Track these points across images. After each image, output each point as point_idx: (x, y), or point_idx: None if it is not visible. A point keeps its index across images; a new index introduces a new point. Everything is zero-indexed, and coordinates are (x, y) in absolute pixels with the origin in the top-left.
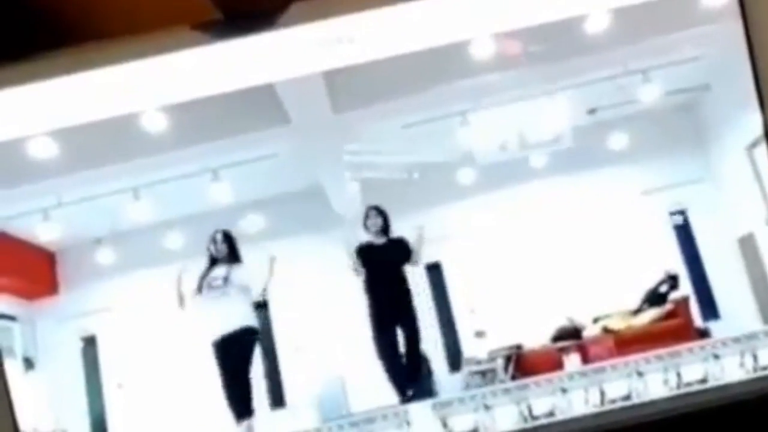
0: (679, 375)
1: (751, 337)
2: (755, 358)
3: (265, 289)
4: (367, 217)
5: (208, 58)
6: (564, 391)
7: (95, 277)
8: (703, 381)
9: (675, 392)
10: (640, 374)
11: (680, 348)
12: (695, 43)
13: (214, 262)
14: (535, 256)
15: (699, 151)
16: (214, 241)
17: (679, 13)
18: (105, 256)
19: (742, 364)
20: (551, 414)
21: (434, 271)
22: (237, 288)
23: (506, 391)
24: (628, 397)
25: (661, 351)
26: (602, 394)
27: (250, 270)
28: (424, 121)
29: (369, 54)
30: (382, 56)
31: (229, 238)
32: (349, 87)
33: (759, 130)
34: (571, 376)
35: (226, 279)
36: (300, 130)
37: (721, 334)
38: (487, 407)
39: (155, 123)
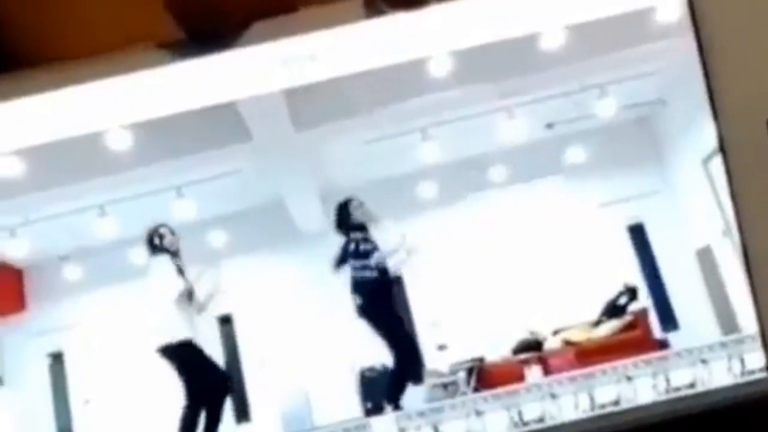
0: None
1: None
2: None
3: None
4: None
5: (172, 77)
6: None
7: (62, 293)
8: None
9: (637, 403)
10: (600, 385)
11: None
12: (650, 58)
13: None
14: (495, 270)
15: (656, 164)
16: (161, 236)
17: (634, 30)
18: (72, 272)
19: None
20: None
21: (396, 285)
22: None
23: (464, 403)
24: (592, 408)
25: (621, 362)
26: (585, 403)
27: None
28: (385, 137)
29: (330, 72)
30: (342, 74)
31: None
32: (311, 104)
33: (714, 142)
34: (529, 389)
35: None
36: (262, 147)
37: (680, 345)
38: (448, 419)
39: (120, 141)
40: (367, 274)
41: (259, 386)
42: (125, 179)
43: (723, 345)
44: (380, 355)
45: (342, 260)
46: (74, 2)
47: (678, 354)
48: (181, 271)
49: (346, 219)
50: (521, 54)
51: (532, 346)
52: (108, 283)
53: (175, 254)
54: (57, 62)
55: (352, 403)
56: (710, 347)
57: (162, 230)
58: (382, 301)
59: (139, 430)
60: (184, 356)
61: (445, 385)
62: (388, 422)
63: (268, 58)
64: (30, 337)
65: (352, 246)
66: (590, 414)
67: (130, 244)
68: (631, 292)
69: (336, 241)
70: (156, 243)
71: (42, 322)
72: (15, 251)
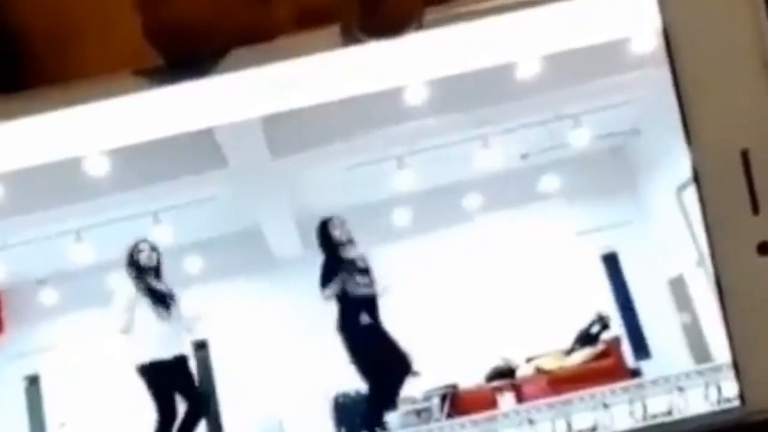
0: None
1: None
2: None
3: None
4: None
5: (150, 103)
6: (497, 429)
7: (39, 317)
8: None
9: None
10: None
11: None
12: (625, 89)
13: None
14: (469, 297)
15: (630, 193)
16: (139, 251)
17: (608, 60)
18: (48, 296)
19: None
20: None
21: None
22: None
23: (441, 429)
24: None
25: (595, 389)
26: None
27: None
28: (361, 165)
29: (306, 99)
30: (319, 101)
31: (155, 249)
32: (287, 131)
33: (688, 172)
34: (507, 415)
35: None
36: (238, 173)
37: (652, 373)
38: None
39: (97, 167)
40: (365, 289)
41: (233, 414)
42: (102, 204)
43: (700, 373)
44: (354, 380)
45: (328, 278)
46: (98, 19)
47: (655, 382)
48: (150, 289)
49: (329, 236)
50: (497, 83)
51: (505, 374)
52: (84, 307)
53: (149, 271)
54: (35, 87)
55: (326, 430)
56: (687, 375)
57: (141, 245)
58: (375, 317)
59: None
60: (174, 373)
61: (418, 412)
62: None
63: (245, 85)
64: (6, 360)
65: (342, 263)
66: None
67: (106, 269)
68: (604, 321)
69: (312, 267)
70: (134, 259)
71: (19, 345)
72: None
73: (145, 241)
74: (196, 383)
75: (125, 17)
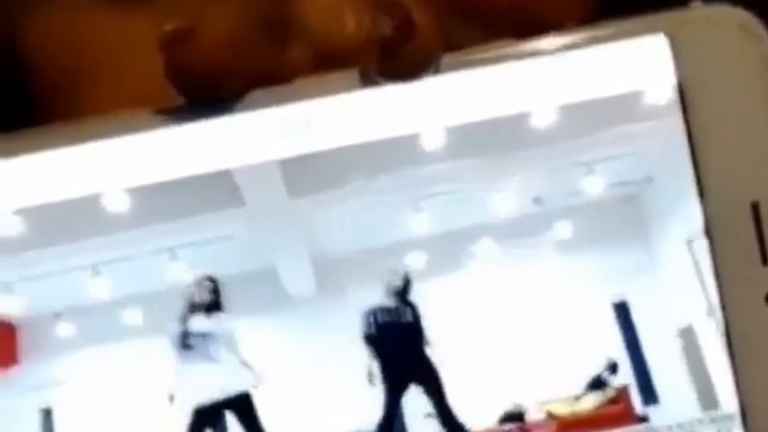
0: None
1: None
2: None
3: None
4: None
5: (170, 141)
6: None
7: (55, 350)
8: None
9: None
10: None
11: None
12: (639, 138)
13: (192, 310)
14: (481, 340)
15: (641, 241)
16: (198, 285)
17: (623, 109)
18: (64, 329)
19: None
20: None
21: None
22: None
23: None
24: None
25: None
26: None
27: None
28: (377, 207)
29: (324, 141)
30: (337, 144)
31: (215, 283)
32: (305, 172)
33: (699, 223)
34: None
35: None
36: (255, 213)
37: (660, 419)
38: None
39: (116, 203)
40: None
41: None
42: (120, 240)
43: (709, 420)
44: (369, 418)
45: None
46: (117, 60)
47: (669, 428)
48: (186, 331)
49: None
50: (512, 130)
51: (516, 418)
52: (100, 342)
53: (199, 308)
54: (57, 122)
55: None
56: (699, 421)
57: (202, 281)
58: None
59: None
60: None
61: None
62: None
63: (264, 126)
64: (22, 392)
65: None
66: None
67: (122, 304)
68: (614, 367)
69: (326, 308)
70: (188, 294)
71: (34, 378)
72: (10, 307)
73: (208, 276)
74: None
75: (140, 56)
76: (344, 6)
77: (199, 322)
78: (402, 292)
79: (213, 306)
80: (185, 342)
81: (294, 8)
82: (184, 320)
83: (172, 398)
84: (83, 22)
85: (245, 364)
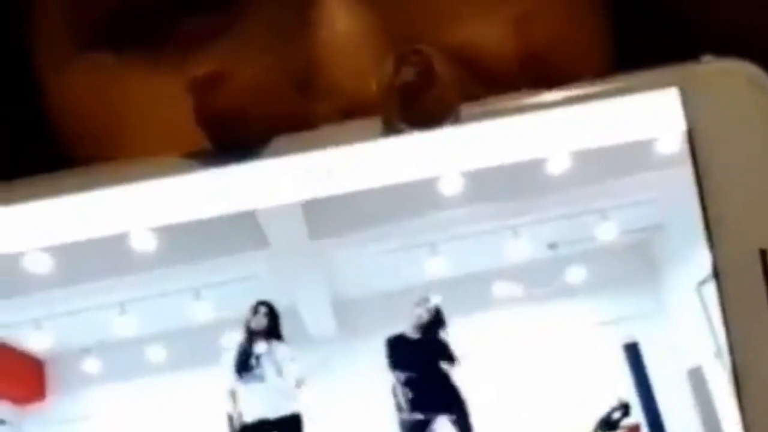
0: None
1: None
2: None
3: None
4: None
5: (197, 184)
6: None
7: (81, 385)
8: None
9: None
10: None
11: None
12: (650, 186)
13: (251, 337)
14: (495, 381)
15: (652, 286)
16: (255, 312)
17: (636, 158)
18: (91, 365)
19: None
20: None
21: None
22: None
23: None
24: None
25: None
26: None
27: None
28: (396, 250)
29: (346, 186)
30: (357, 188)
31: (272, 310)
32: (326, 215)
33: (708, 268)
34: None
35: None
36: (278, 254)
37: None
38: None
39: (143, 243)
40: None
41: None
42: (146, 279)
43: None
44: None
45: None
46: (147, 109)
47: None
48: (245, 352)
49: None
50: (528, 177)
51: None
52: (125, 378)
53: (258, 334)
54: (87, 165)
55: None
56: None
57: (259, 307)
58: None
59: None
60: None
61: None
62: None
63: (288, 171)
64: (48, 426)
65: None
66: None
67: (148, 342)
68: (625, 408)
69: (345, 347)
70: (246, 321)
71: (60, 413)
72: (39, 343)
73: (264, 303)
74: None
75: (170, 111)
76: (370, 69)
77: (259, 347)
78: (428, 326)
79: (271, 331)
80: (246, 364)
81: (322, 69)
82: (246, 344)
83: (230, 418)
84: (113, 79)
85: (300, 386)
